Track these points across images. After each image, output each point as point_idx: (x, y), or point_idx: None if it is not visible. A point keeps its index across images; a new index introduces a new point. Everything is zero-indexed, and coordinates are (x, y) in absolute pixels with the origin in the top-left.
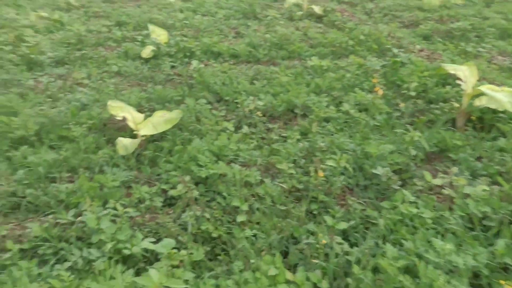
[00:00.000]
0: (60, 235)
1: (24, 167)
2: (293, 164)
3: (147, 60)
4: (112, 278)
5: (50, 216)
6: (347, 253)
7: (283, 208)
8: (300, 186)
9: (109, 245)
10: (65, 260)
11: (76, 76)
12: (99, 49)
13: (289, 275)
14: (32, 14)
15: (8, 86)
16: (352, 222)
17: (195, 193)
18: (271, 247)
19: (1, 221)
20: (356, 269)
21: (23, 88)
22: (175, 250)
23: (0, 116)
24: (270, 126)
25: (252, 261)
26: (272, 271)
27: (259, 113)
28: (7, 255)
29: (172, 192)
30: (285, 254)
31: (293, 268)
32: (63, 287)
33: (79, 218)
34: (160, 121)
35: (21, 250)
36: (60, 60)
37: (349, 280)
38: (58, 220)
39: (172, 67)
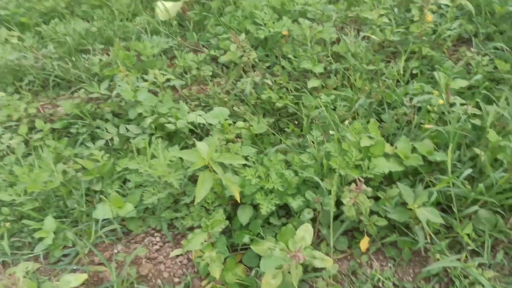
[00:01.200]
0: (94, 112)
1: (54, 41)
2: (385, 12)
3: None
4: (153, 156)
5: (82, 91)
6: (474, 116)
7: (371, 67)
8: (395, 38)
9: (148, 120)
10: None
11: None
12: None
13: (388, 147)
14: None
15: None
16: (474, 79)
17: (253, 56)
18: (357, 115)
19: (30, 99)
20: (492, 134)
21: None
22: (229, 122)
23: None
24: None
25: (332, 132)
26: (366, 141)
27: None
28: (37, 135)
29: (223, 58)
30: None
31: (389, 140)
32: (96, 167)
33: (115, 92)
34: None
35: (53, 130)
36: None
37: (477, 150)
38: (91, 95)
39: None
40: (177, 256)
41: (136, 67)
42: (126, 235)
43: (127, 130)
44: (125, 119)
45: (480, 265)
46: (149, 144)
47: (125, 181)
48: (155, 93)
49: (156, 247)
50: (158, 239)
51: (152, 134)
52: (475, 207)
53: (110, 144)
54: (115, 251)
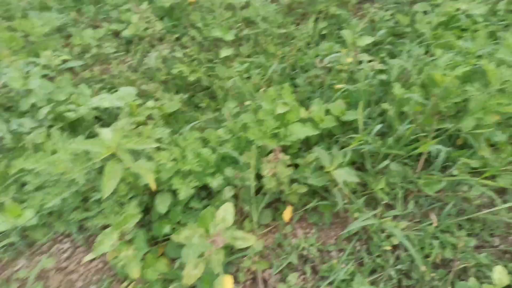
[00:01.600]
0: None
1: None
2: None
3: None
4: (54, 152)
5: None
6: (380, 72)
7: (282, 31)
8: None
9: (44, 110)
10: None
11: None
12: None
13: (303, 112)
14: None
15: None
16: (378, 35)
17: (159, 28)
18: (271, 82)
19: None
20: (397, 88)
21: None
22: (139, 102)
23: None
24: None
25: (247, 102)
26: (281, 108)
27: None
28: None
29: (126, 32)
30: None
31: (304, 104)
32: None
33: (0, 82)
34: None
35: None
36: None
37: (385, 105)
38: None
39: None
40: (91, 261)
41: (24, 50)
42: (29, 247)
43: (20, 125)
44: (18, 112)
45: (395, 217)
46: (49, 138)
47: (23, 184)
48: (52, 79)
49: (66, 254)
50: (68, 245)
51: (51, 126)
52: (387, 162)
53: (1, 144)
54: (16, 268)
